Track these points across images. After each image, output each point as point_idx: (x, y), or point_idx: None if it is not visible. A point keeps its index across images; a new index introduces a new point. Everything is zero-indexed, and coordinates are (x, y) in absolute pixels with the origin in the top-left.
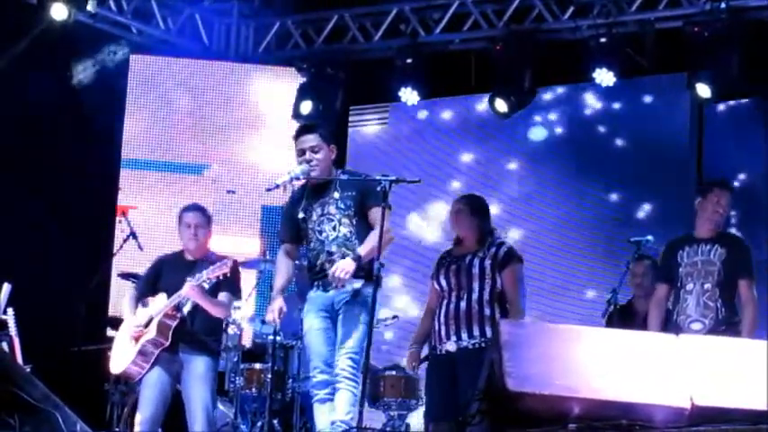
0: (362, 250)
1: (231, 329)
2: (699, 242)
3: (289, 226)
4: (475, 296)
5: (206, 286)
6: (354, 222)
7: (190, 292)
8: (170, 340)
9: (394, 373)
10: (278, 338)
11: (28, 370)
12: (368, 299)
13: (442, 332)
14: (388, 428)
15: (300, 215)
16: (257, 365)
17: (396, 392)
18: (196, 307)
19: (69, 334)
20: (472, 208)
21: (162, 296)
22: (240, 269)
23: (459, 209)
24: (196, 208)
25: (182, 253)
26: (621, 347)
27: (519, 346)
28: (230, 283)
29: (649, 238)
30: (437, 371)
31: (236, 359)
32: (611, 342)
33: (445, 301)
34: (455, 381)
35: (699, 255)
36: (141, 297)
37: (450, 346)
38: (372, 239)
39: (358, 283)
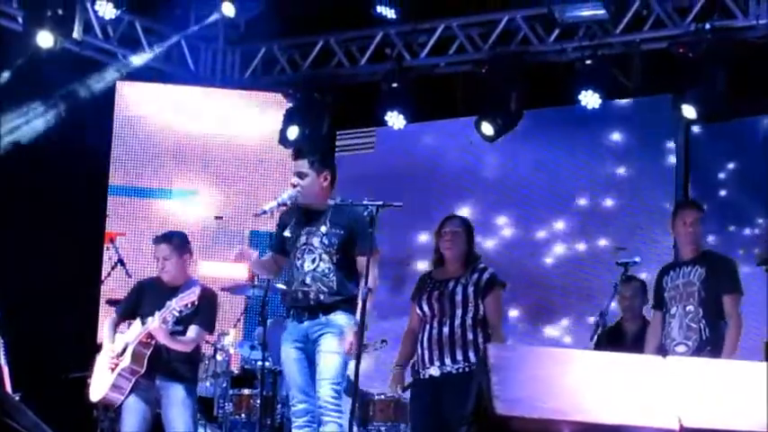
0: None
1: (219, 356)
2: (681, 265)
3: (278, 240)
4: (457, 322)
5: (176, 314)
6: (335, 260)
7: (157, 332)
8: (145, 368)
9: (383, 396)
10: (267, 364)
11: (17, 398)
12: (343, 327)
13: (426, 357)
14: None
15: (287, 233)
16: (246, 391)
17: (385, 416)
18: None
19: (58, 361)
20: (468, 232)
21: (137, 323)
22: (217, 299)
23: (456, 231)
24: (163, 239)
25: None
26: (610, 370)
27: (507, 370)
28: (204, 315)
29: (637, 259)
30: (421, 395)
31: (224, 385)
32: (599, 364)
33: (427, 326)
34: (440, 405)
35: (680, 278)
36: (121, 321)
37: (434, 371)
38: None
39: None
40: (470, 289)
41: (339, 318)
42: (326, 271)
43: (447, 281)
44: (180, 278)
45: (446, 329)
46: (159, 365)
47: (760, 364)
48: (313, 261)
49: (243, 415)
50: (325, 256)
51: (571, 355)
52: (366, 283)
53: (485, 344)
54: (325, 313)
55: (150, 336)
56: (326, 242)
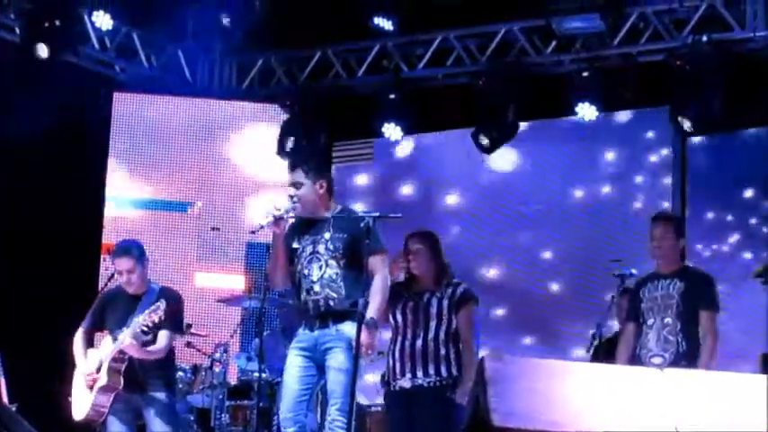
0: (372, 311)
1: (216, 367)
2: (660, 278)
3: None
4: (431, 335)
5: (145, 330)
6: (342, 265)
7: (129, 348)
8: (123, 383)
9: (380, 409)
10: (263, 375)
11: (14, 409)
12: (352, 341)
13: (397, 368)
14: None
15: (295, 245)
16: (243, 402)
17: (381, 429)
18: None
19: (55, 372)
20: (430, 248)
21: (108, 340)
22: (181, 298)
23: (417, 249)
24: (123, 252)
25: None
26: (606, 382)
27: (503, 382)
28: (170, 319)
29: (633, 271)
30: (394, 409)
31: (221, 396)
32: (595, 376)
33: (400, 338)
34: (412, 420)
35: (659, 290)
36: (88, 335)
37: (405, 383)
38: (377, 297)
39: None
40: (445, 302)
41: (349, 329)
42: (334, 276)
43: (422, 293)
44: (142, 286)
45: (419, 342)
46: (136, 376)
47: (757, 376)
48: (320, 268)
49: (239, 426)
50: (331, 262)
51: (568, 367)
52: (363, 295)
53: (456, 359)
54: (336, 322)
55: (123, 351)
56: (331, 247)
